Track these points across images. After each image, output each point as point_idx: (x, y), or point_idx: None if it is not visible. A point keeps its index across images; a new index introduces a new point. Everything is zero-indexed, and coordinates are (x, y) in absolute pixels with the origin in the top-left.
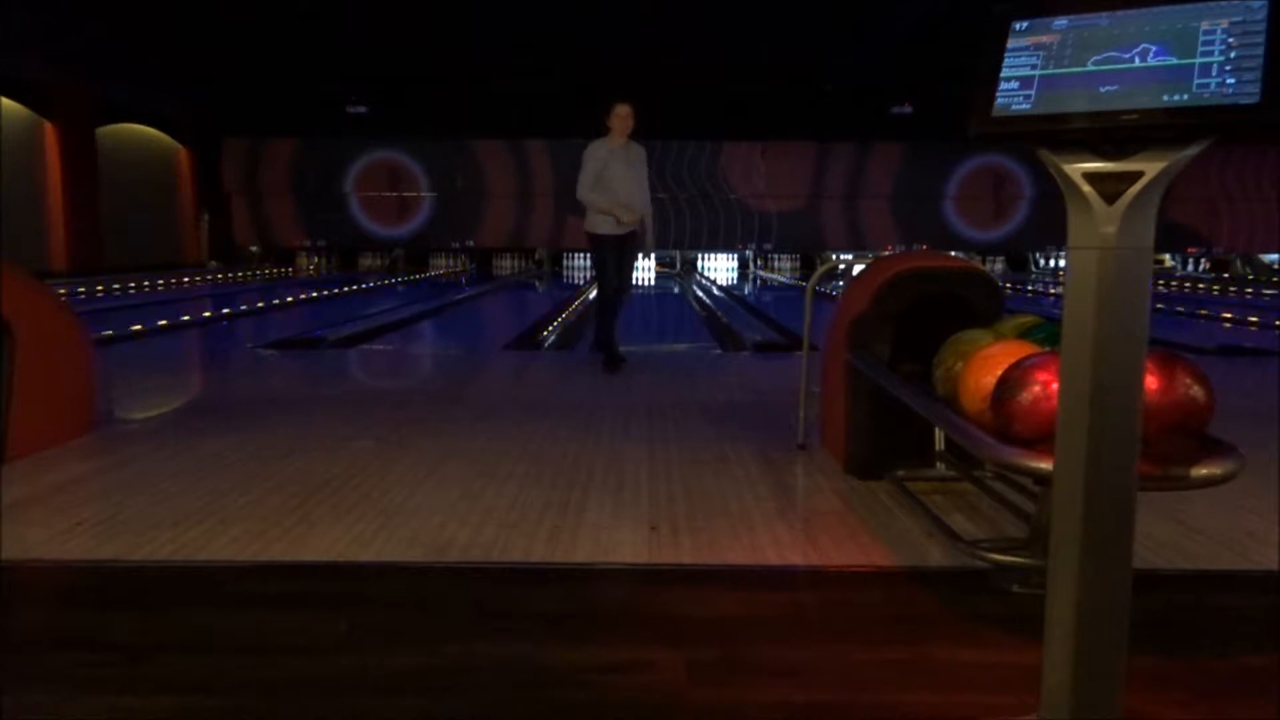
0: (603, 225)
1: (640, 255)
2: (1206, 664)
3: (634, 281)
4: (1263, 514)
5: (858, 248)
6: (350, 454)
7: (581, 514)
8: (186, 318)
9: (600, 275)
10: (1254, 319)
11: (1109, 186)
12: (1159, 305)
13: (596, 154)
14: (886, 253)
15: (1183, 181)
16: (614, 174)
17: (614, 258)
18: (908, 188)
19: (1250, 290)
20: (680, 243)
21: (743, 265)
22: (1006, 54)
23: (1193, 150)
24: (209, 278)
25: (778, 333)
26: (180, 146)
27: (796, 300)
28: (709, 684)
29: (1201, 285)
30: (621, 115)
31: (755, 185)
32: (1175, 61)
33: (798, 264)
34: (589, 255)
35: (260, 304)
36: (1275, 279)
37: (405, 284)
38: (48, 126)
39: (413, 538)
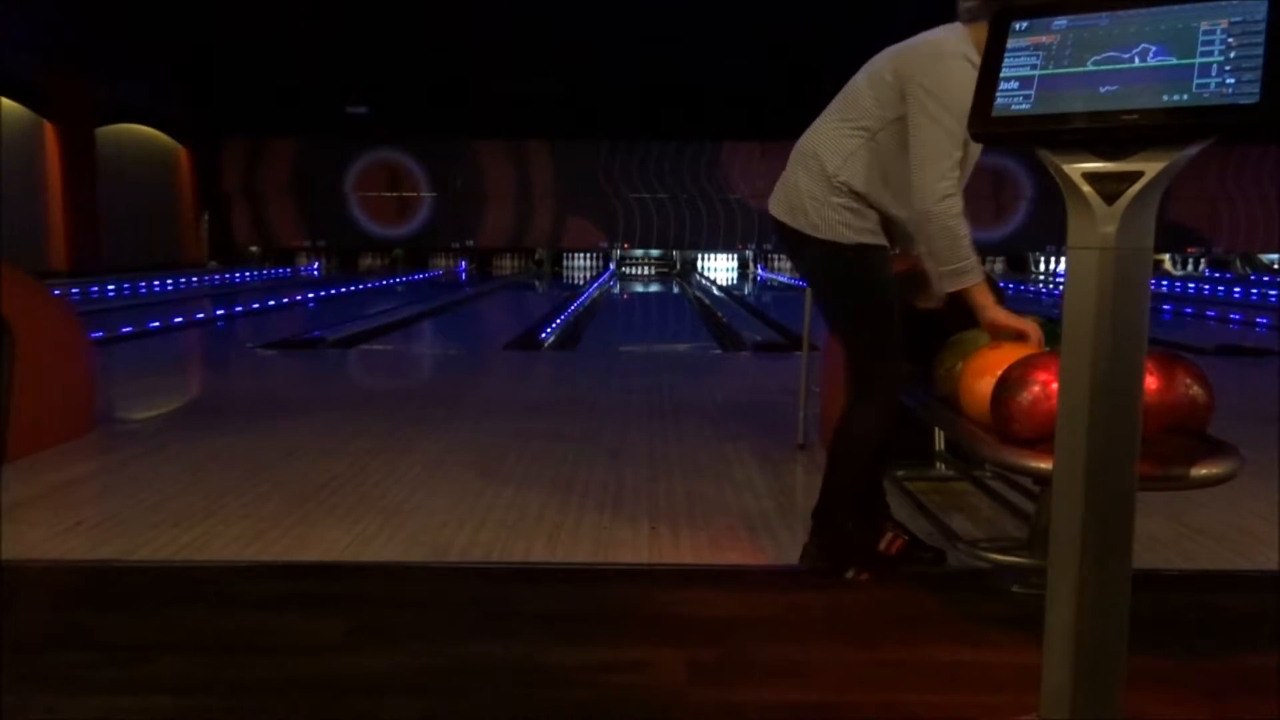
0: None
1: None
2: (1206, 664)
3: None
4: (1263, 514)
5: None
6: (350, 454)
7: (581, 514)
8: (180, 319)
9: (877, 352)
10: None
11: (1109, 186)
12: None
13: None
14: None
15: (1183, 181)
16: None
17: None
18: None
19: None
20: (680, 243)
21: (743, 265)
22: (1006, 54)
23: (1193, 150)
24: (212, 278)
25: (778, 333)
26: (180, 146)
27: (797, 300)
28: (709, 684)
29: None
30: None
31: (755, 185)
32: (1175, 61)
33: None
34: (850, 307)
35: (256, 305)
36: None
37: (405, 286)
38: (48, 126)
39: (413, 538)
